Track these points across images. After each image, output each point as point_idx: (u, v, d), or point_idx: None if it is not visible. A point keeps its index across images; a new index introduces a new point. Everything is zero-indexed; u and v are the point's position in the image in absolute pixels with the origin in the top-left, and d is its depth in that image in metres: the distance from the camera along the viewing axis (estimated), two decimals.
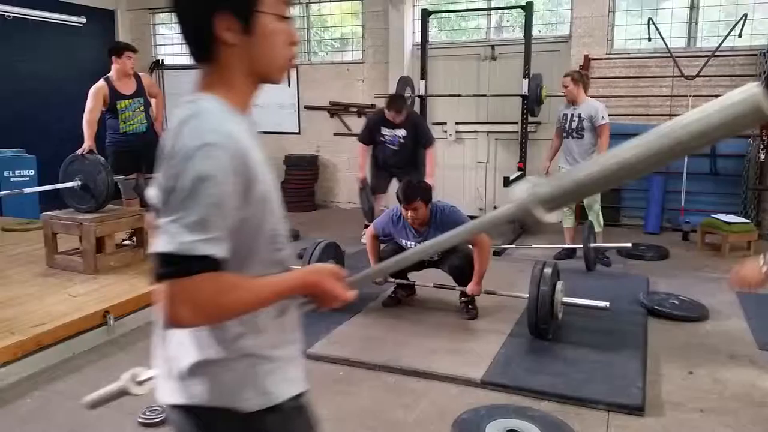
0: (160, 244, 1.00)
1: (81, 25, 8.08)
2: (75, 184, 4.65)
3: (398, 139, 5.59)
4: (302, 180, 8.36)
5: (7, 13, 7.45)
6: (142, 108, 5.24)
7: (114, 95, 5.08)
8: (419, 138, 5.61)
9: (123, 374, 1.58)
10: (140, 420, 2.76)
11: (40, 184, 6.26)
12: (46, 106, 8.20)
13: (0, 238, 5.68)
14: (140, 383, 1.58)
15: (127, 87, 5.16)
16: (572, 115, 5.29)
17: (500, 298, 4.10)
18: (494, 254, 5.74)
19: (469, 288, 3.91)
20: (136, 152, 5.20)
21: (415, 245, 3.99)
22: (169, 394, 1.19)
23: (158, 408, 2.79)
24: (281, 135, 8.74)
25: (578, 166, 1.04)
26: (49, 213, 4.72)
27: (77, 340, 3.54)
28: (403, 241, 4.04)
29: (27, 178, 6.91)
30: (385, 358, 3.37)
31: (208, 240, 1.00)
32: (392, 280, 4.19)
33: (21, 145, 7.21)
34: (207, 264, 1.00)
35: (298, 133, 8.72)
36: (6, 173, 6.80)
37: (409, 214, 3.81)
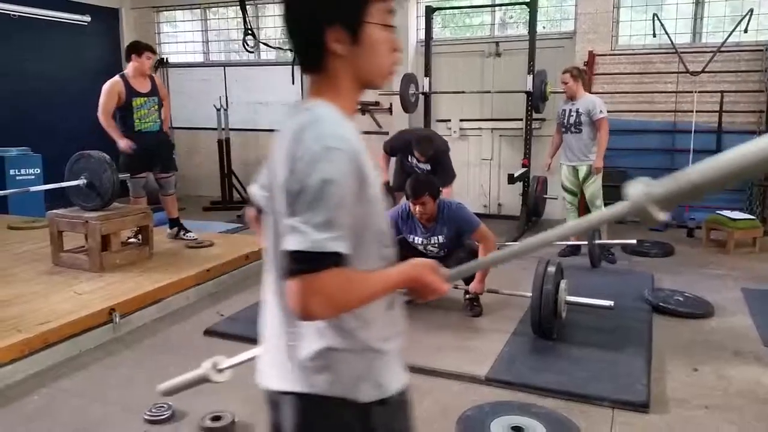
0: (291, 242, 1.07)
1: (86, 23, 8.11)
2: (81, 182, 4.67)
3: (422, 170, 5.57)
4: None
5: (12, 12, 7.49)
6: (156, 107, 5.28)
7: (130, 92, 5.10)
8: (439, 175, 5.58)
9: (204, 362, 1.69)
10: (146, 417, 2.77)
11: (45, 183, 6.29)
12: (51, 105, 8.23)
13: (6, 236, 5.71)
14: (221, 371, 1.69)
15: (143, 85, 5.19)
16: (570, 110, 5.34)
17: (504, 296, 4.11)
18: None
19: (472, 286, 3.92)
20: (149, 151, 5.23)
21: (422, 241, 4.02)
22: (283, 381, 1.25)
23: (164, 405, 2.81)
24: None
25: (694, 166, 1.06)
26: (54, 211, 4.74)
27: (83, 338, 3.56)
28: (411, 237, 4.06)
29: (33, 177, 6.95)
30: None
31: (336, 238, 1.07)
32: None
33: (26, 144, 7.24)
34: (335, 260, 1.07)
35: None
36: (12, 172, 6.83)
37: (417, 209, 3.85)
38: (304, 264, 1.06)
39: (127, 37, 9.34)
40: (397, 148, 5.65)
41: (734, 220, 5.60)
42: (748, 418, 2.78)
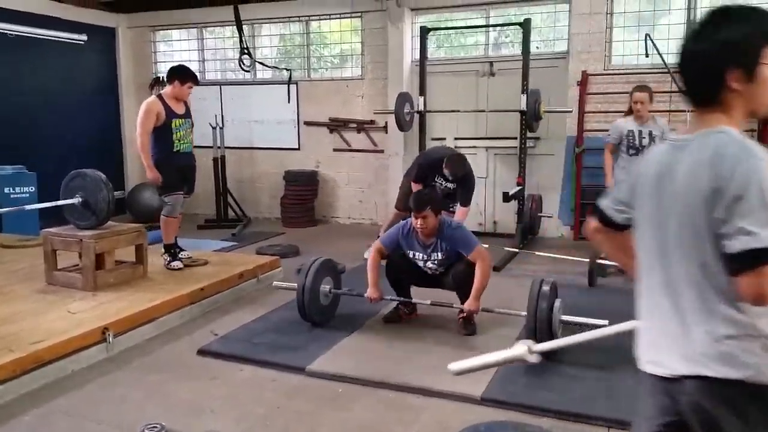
0: (742, 242, 1.27)
1: (82, 42, 8.15)
2: (76, 200, 4.66)
3: (448, 190, 5.63)
4: (302, 195, 8.38)
5: (9, 31, 7.53)
6: (191, 129, 5.31)
7: (169, 113, 5.11)
8: (461, 194, 5.66)
9: (516, 345, 1.84)
10: None
11: (40, 201, 6.27)
12: (46, 123, 8.25)
13: (0, 254, 5.68)
14: (535, 353, 1.83)
15: (179, 107, 5.21)
16: (642, 132, 5.15)
17: (500, 315, 4.10)
18: (494, 269, 5.74)
19: (468, 304, 3.92)
20: (184, 171, 5.27)
21: (422, 257, 4.06)
22: (703, 368, 1.37)
23: (157, 425, 2.79)
24: (281, 150, 8.79)
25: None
26: (48, 229, 4.73)
27: (76, 357, 3.53)
28: (411, 252, 4.10)
29: (27, 195, 6.93)
30: (384, 375, 3.36)
31: None
32: (392, 298, 4.21)
33: (21, 162, 7.23)
34: None
35: (298, 149, 8.75)
36: (6, 190, 6.81)
37: (418, 222, 3.91)
38: (762, 259, 1.25)
39: (123, 56, 9.43)
40: (426, 169, 5.71)
41: None
42: None
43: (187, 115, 5.27)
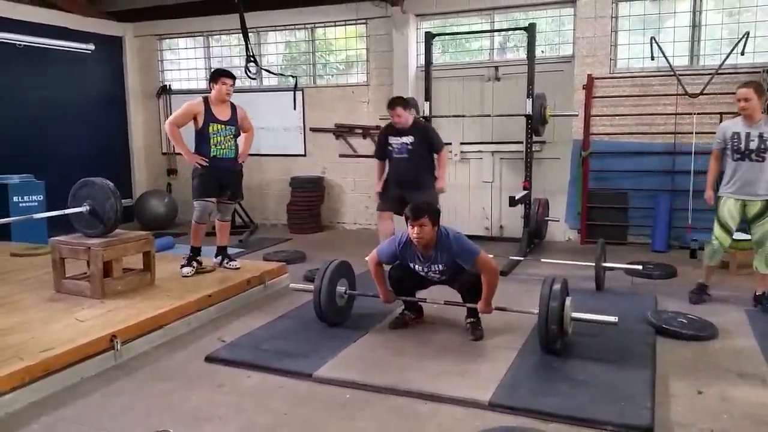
0: None
1: (89, 52, 8.21)
2: (84, 209, 4.68)
3: (406, 146, 5.54)
4: (308, 201, 8.40)
5: (18, 42, 7.60)
6: (232, 136, 5.30)
7: (209, 117, 5.13)
8: (427, 143, 5.59)
9: None
10: None
11: (48, 210, 6.32)
12: (54, 132, 8.31)
13: (8, 263, 5.72)
14: None
15: (223, 113, 5.21)
16: (750, 134, 4.48)
17: (507, 319, 4.09)
18: (501, 273, 5.73)
19: (480, 306, 3.92)
20: (222, 177, 5.27)
21: (423, 269, 4.00)
22: None
23: None
24: (287, 157, 8.82)
25: None
26: (56, 238, 4.76)
27: (84, 366, 3.54)
28: (411, 265, 4.06)
29: (36, 204, 6.98)
30: (391, 381, 3.36)
31: None
32: (401, 298, 4.21)
33: (29, 171, 7.29)
34: None
35: (304, 155, 8.78)
36: (15, 198, 6.87)
37: (415, 231, 3.79)
38: None
39: (130, 65, 9.50)
40: (380, 141, 5.79)
41: (737, 240, 5.56)
42: None
43: (231, 122, 5.26)
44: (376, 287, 4.17)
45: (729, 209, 4.61)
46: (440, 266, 3.96)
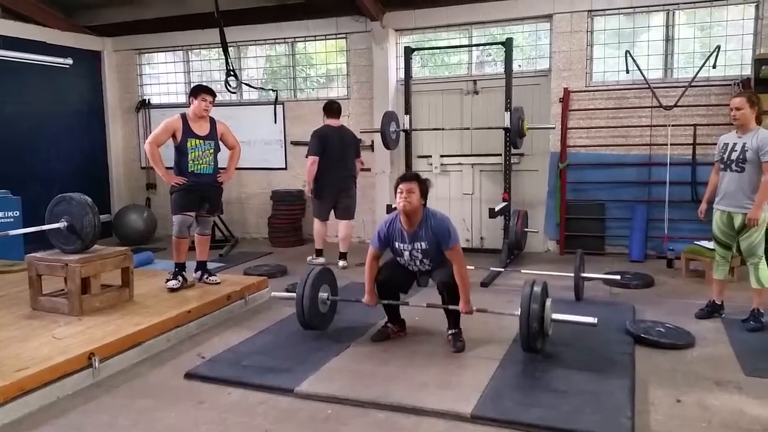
0: None
1: (68, 66, 8.14)
2: (61, 225, 4.63)
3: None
4: (289, 215, 8.38)
5: None
6: (212, 151, 5.28)
7: (187, 132, 5.13)
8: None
9: None
10: None
11: (24, 226, 6.23)
12: (31, 147, 8.21)
13: None
14: None
15: (201, 128, 5.21)
16: (735, 145, 4.40)
17: (488, 329, 4.12)
18: (481, 285, 5.77)
19: (461, 308, 3.99)
20: (201, 192, 5.25)
21: (407, 246, 4.11)
22: None
23: None
24: (268, 171, 8.80)
25: None
26: (33, 254, 4.69)
27: (62, 384, 3.48)
28: (397, 244, 4.14)
29: (12, 220, 6.86)
30: (374, 395, 3.35)
31: None
32: (384, 302, 4.25)
33: (6, 187, 7.18)
34: None
35: (285, 169, 8.76)
36: None
37: (403, 196, 3.93)
38: None
39: (109, 79, 9.44)
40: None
41: (712, 250, 5.65)
42: None
43: (210, 137, 5.26)
44: (365, 282, 4.21)
45: (717, 221, 4.58)
46: (423, 244, 4.05)
